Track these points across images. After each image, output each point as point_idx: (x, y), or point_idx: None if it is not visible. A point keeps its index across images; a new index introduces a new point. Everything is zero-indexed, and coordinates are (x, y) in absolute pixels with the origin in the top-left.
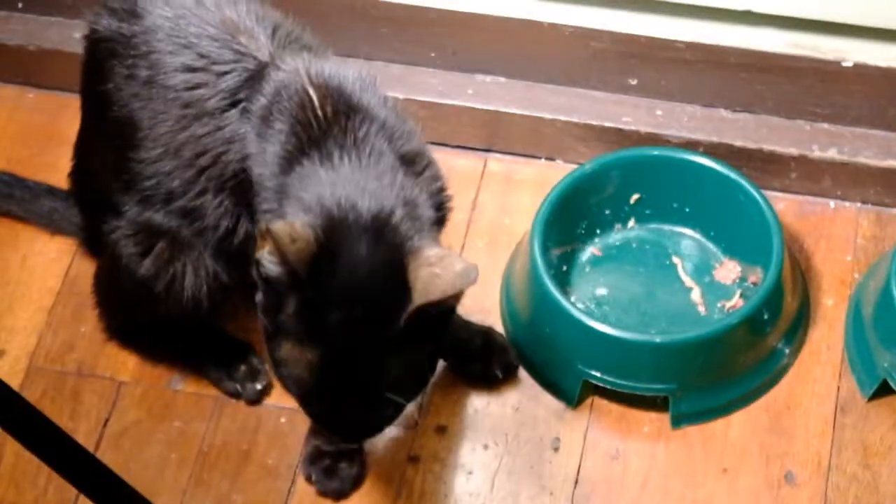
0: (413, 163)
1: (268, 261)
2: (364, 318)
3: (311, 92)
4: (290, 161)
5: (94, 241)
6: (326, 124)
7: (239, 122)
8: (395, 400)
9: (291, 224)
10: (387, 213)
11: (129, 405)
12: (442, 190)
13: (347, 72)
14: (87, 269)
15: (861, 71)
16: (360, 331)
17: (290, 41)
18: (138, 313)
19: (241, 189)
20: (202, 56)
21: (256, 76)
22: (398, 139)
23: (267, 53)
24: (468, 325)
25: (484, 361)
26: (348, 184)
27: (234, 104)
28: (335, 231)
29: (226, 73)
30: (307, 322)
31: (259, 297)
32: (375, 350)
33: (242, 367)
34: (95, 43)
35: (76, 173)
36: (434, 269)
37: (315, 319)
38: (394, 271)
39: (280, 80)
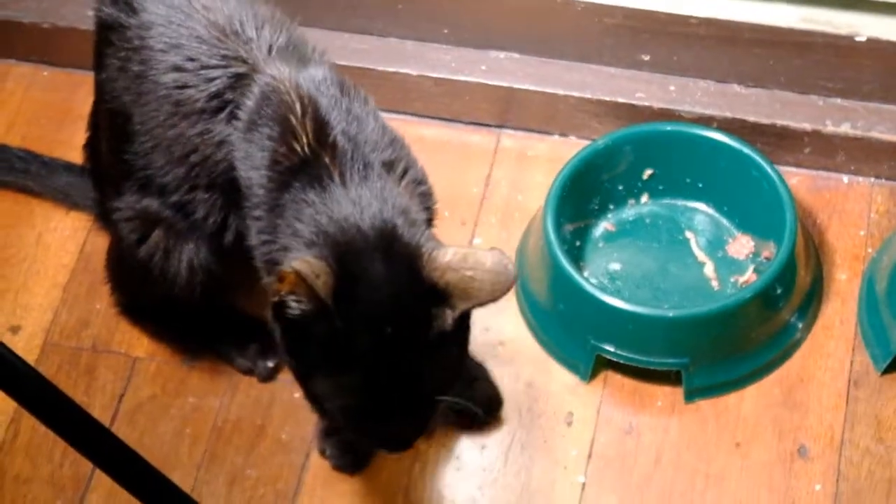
0: (394, 169)
1: (294, 301)
2: (396, 335)
3: (295, 99)
4: (279, 176)
5: (107, 216)
6: (307, 141)
7: (227, 125)
8: (439, 399)
9: (307, 261)
10: (390, 226)
11: (143, 381)
12: (428, 193)
13: (332, 78)
14: (101, 245)
15: (874, 45)
16: (394, 347)
17: (280, 44)
18: (143, 292)
19: (230, 188)
20: (191, 58)
21: (244, 80)
22: (380, 148)
23: (256, 57)
24: None
25: (467, 398)
26: (344, 204)
27: (221, 107)
28: (346, 256)
29: (214, 77)
30: (340, 351)
31: (279, 339)
32: (413, 361)
33: (254, 345)
34: (99, 27)
35: (90, 146)
36: (465, 272)
37: (348, 346)
38: (413, 282)
39: (266, 85)
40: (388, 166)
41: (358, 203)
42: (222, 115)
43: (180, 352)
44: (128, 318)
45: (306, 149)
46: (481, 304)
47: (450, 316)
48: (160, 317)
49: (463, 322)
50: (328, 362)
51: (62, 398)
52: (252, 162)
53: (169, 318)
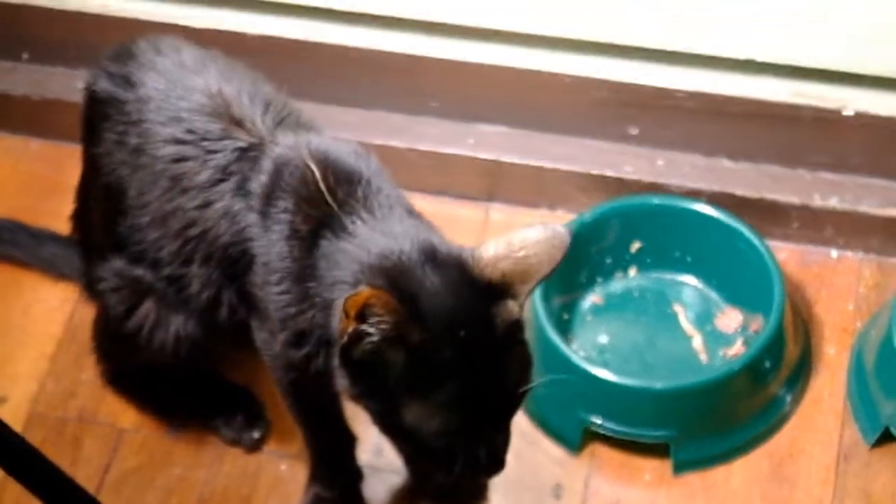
0: (419, 216)
1: (371, 328)
2: (470, 338)
3: (313, 166)
4: (304, 241)
5: (94, 286)
6: (332, 197)
7: (233, 199)
8: (523, 393)
9: (369, 289)
10: (428, 243)
11: (129, 452)
12: None
13: (344, 146)
14: (89, 316)
15: (862, 120)
16: (473, 351)
17: (283, 118)
18: (129, 362)
19: (228, 262)
20: (191, 131)
21: (251, 154)
22: (400, 198)
23: (260, 130)
24: None
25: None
26: (377, 239)
27: (224, 180)
28: (398, 278)
29: (215, 150)
30: (425, 369)
31: (350, 387)
32: (493, 359)
33: (240, 415)
34: (92, 102)
35: (77, 217)
36: (516, 255)
37: (431, 365)
38: (469, 285)
39: (279, 157)
40: (410, 212)
41: (391, 233)
42: (226, 188)
43: (166, 422)
44: (114, 389)
45: (330, 201)
46: (545, 276)
47: (514, 305)
48: (146, 387)
49: (522, 323)
50: (415, 385)
51: (48, 465)
52: (271, 236)
53: (155, 388)
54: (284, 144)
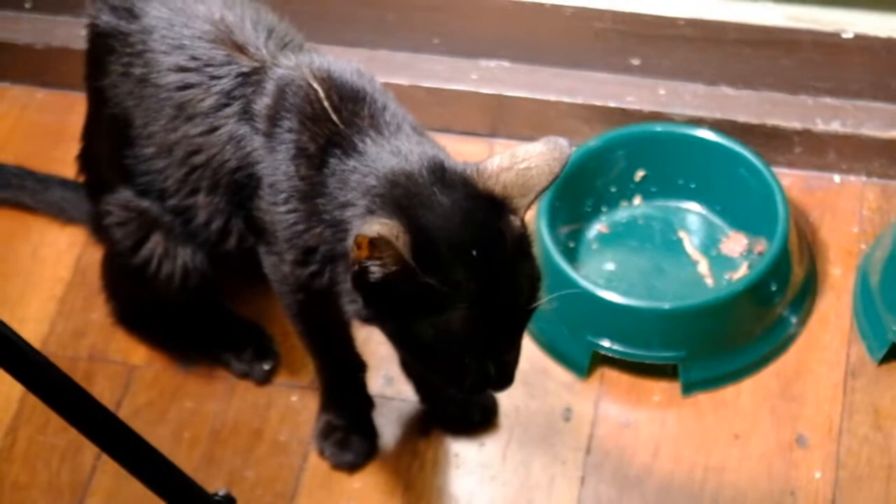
0: (425, 134)
1: (375, 266)
2: (481, 256)
3: (316, 85)
4: (311, 160)
5: (101, 227)
6: (337, 115)
7: (238, 123)
8: (533, 309)
9: (383, 223)
10: (436, 160)
11: (140, 388)
12: None
13: (346, 64)
14: (96, 258)
15: (861, 42)
16: (485, 268)
17: (285, 43)
18: (138, 298)
19: (235, 188)
20: (195, 58)
21: (254, 77)
22: (406, 116)
23: (263, 55)
24: None
25: (462, 404)
26: (386, 159)
27: (228, 104)
28: (410, 204)
29: (219, 75)
30: (436, 297)
31: (365, 307)
32: (504, 275)
33: (250, 348)
34: (96, 37)
35: (83, 156)
36: (518, 166)
37: (443, 290)
38: (475, 200)
39: (282, 78)
40: (416, 129)
41: (399, 152)
42: (230, 112)
43: (177, 358)
44: (124, 327)
45: (336, 119)
46: (544, 189)
47: (516, 219)
48: (156, 324)
49: (528, 236)
50: (428, 307)
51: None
52: (277, 156)
53: (165, 325)
54: (286, 65)
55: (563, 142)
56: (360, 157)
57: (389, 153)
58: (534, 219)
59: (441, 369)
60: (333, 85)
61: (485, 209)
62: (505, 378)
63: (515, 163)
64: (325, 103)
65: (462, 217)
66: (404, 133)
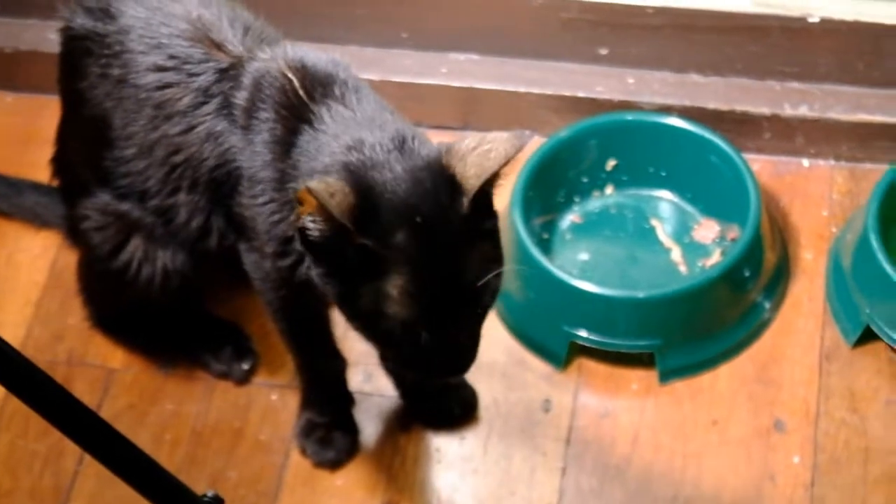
0: (398, 116)
1: (312, 223)
2: (427, 225)
3: (290, 75)
4: (283, 145)
5: (76, 229)
6: (308, 97)
7: (215, 119)
8: (487, 288)
9: (322, 181)
10: (401, 134)
11: (120, 391)
12: None
13: (322, 54)
14: (72, 262)
15: (827, 26)
16: (428, 237)
17: (262, 39)
18: (116, 302)
19: (215, 186)
20: (173, 56)
21: (231, 73)
22: (379, 99)
23: (240, 50)
24: None
25: (442, 399)
26: (351, 129)
27: (206, 102)
28: (360, 167)
29: (197, 73)
30: (376, 260)
31: (312, 268)
32: (450, 248)
33: (228, 348)
34: (70, 40)
35: (57, 160)
36: (483, 147)
37: (384, 251)
38: (433, 173)
39: (258, 70)
40: (388, 108)
41: (365, 122)
42: (208, 109)
43: (155, 360)
44: (101, 331)
45: (307, 100)
46: (495, 170)
47: (466, 197)
48: (134, 327)
49: (489, 207)
50: (368, 271)
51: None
52: (254, 148)
53: (142, 327)
54: (261, 58)
55: (527, 132)
56: (326, 128)
57: (355, 123)
58: (507, 210)
59: (382, 341)
60: (307, 73)
61: (438, 182)
62: (452, 360)
63: (481, 145)
64: (300, 91)
65: (412, 184)
66: (374, 109)
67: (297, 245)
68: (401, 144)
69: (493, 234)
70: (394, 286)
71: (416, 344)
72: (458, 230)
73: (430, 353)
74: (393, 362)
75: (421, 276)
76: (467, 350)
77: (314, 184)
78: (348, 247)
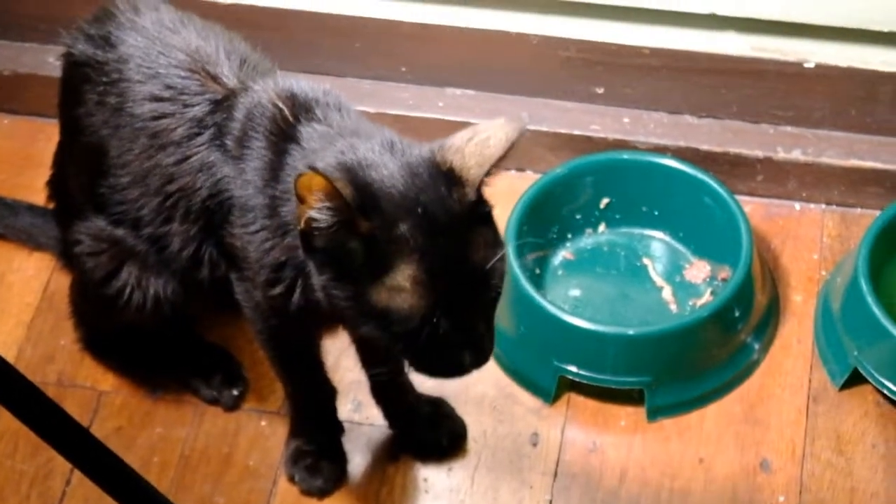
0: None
1: (318, 213)
2: (429, 215)
3: (280, 104)
4: (273, 170)
5: (70, 252)
6: (295, 120)
7: (209, 150)
8: (495, 272)
9: (313, 173)
10: (389, 139)
11: (109, 413)
12: None
13: (311, 83)
14: (64, 284)
15: (822, 72)
16: (433, 227)
17: (258, 73)
18: (108, 326)
19: (208, 216)
20: (169, 87)
21: (225, 104)
22: (368, 121)
23: (234, 83)
24: (418, 395)
25: (431, 430)
26: (339, 140)
27: (200, 133)
28: (354, 169)
29: (192, 104)
30: (384, 253)
31: (318, 276)
32: (455, 237)
33: (219, 374)
34: (71, 66)
35: (53, 183)
36: (480, 136)
37: (389, 245)
38: (429, 167)
39: (250, 102)
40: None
41: (352, 132)
42: (202, 140)
43: (146, 384)
44: (92, 353)
45: (294, 123)
46: (500, 156)
47: (470, 186)
48: (125, 350)
49: (485, 202)
50: (378, 266)
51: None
52: (245, 177)
53: (134, 351)
54: (253, 90)
55: (524, 115)
56: (315, 144)
57: (343, 136)
58: None
59: (398, 339)
60: (297, 102)
61: (434, 176)
62: (472, 348)
63: (476, 134)
64: (289, 117)
65: (409, 179)
66: (360, 123)
67: (289, 272)
68: (391, 147)
69: (491, 220)
70: (405, 277)
71: (435, 335)
72: (460, 218)
73: (449, 345)
74: (410, 361)
75: (431, 264)
76: (485, 338)
77: (319, 165)
78: (354, 240)
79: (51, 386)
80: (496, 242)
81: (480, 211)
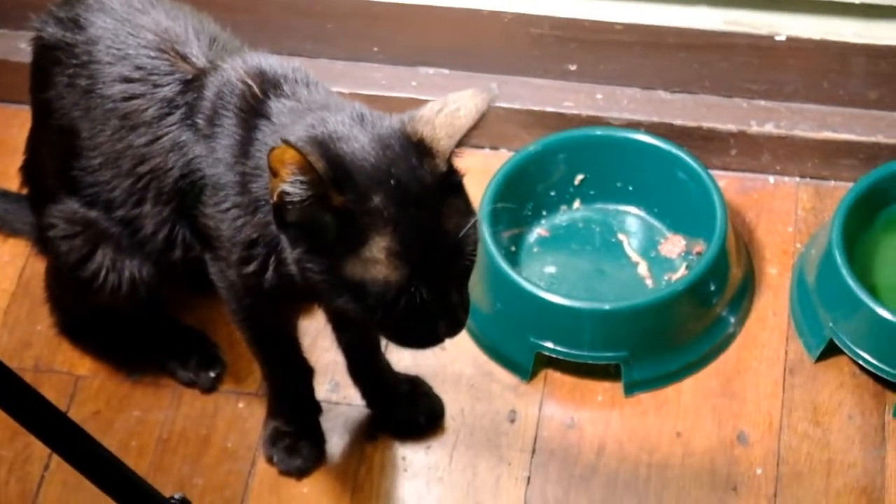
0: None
1: (291, 186)
2: (401, 187)
3: (249, 81)
4: (243, 145)
5: (44, 240)
6: (264, 95)
7: (179, 130)
8: (469, 239)
9: (286, 146)
10: (358, 111)
11: (87, 397)
12: None
13: (280, 59)
14: (40, 270)
15: (794, 44)
16: (405, 197)
17: (227, 52)
18: (83, 310)
19: (180, 196)
20: (139, 67)
21: (195, 84)
22: (337, 96)
23: (203, 62)
24: (395, 374)
25: (409, 409)
26: (309, 113)
27: (171, 113)
28: (325, 142)
29: (162, 84)
30: (358, 225)
31: (291, 251)
32: (428, 207)
33: (196, 357)
34: (41, 49)
35: (27, 167)
36: (449, 107)
37: (363, 216)
38: (399, 136)
39: (219, 80)
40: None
41: (322, 108)
42: (173, 120)
43: (123, 368)
44: (69, 338)
45: (263, 98)
46: (470, 126)
47: (440, 157)
48: (101, 334)
49: (456, 171)
50: (351, 238)
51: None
52: (216, 155)
53: (110, 334)
54: (222, 68)
55: (493, 84)
56: (284, 119)
57: (312, 110)
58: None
59: (373, 311)
60: (266, 78)
61: (405, 147)
62: (451, 318)
63: (446, 106)
64: (258, 93)
65: (381, 151)
66: (328, 96)
67: (262, 248)
68: (361, 119)
69: (461, 189)
70: (379, 249)
71: (410, 306)
72: (432, 189)
73: (424, 315)
74: (385, 332)
75: (405, 235)
76: (459, 307)
77: (291, 138)
78: (327, 214)
79: (28, 371)
80: (468, 211)
81: (451, 181)
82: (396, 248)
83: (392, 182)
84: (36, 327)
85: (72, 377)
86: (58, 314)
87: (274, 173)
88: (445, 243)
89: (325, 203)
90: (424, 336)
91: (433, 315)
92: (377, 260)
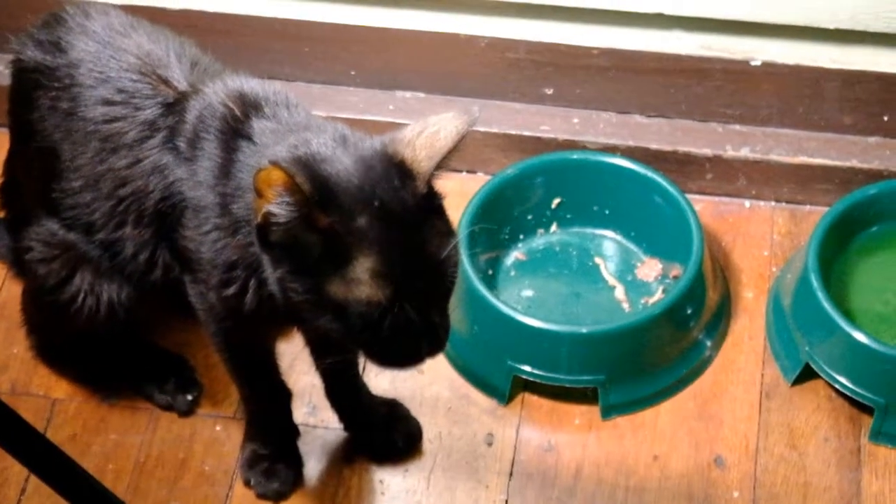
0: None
1: (277, 207)
2: (384, 208)
3: (230, 104)
4: (224, 167)
5: (21, 263)
6: (245, 117)
7: (161, 153)
8: (450, 260)
9: (273, 167)
10: (340, 133)
11: (63, 421)
12: None
13: (263, 84)
14: (17, 293)
15: (769, 69)
16: (389, 219)
17: (208, 76)
18: (60, 333)
19: (160, 219)
20: (121, 90)
21: (176, 107)
22: (318, 118)
23: (185, 86)
24: (373, 397)
25: (387, 432)
26: (290, 134)
27: (152, 136)
28: (308, 163)
29: (144, 107)
30: (342, 246)
31: (273, 270)
32: (411, 228)
33: (172, 379)
34: (21, 72)
35: (4, 190)
36: (430, 129)
37: (347, 238)
38: (381, 158)
39: (201, 103)
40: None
41: (303, 129)
42: (154, 143)
43: (99, 391)
44: (45, 361)
45: (244, 120)
46: (450, 148)
47: (420, 180)
48: (78, 357)
49: (436, 193)
50: (335, 258)
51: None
52: (197, 178)
53: (87, 358)
54: (203, 92)
55: (474, 108)
56: (266, 139)
57: (293, 131)
58: None
59: (355, 332)
60: (246, 100)
61: (388, 169)
62: (432, 338)
63: (426, 128)
64: (240, 116)
65: (364, 172)
66: (309, 118)
67: (242, 271)
68: (343, 140)
69: (442, 210)
70: (364, 270)
71: (393, 326)
72: (414, 210)
73: (406, 335)
74: (366, 352)
75: (389, 256)
76: (440, 327)
77: (270, 166)
78: (312, 234)
79: (4, 395)
80: (449, 232)
81: (432, 202)
82: (380, 269)
83: (376, 203)
84: (12, 350)
85: (48, 400)
86: (34, 337)
87: (259, 194)
88: (428, 264)
89: (311, 224)
90: (407, 356)
91: (416, 335)
92: (361, 280)
